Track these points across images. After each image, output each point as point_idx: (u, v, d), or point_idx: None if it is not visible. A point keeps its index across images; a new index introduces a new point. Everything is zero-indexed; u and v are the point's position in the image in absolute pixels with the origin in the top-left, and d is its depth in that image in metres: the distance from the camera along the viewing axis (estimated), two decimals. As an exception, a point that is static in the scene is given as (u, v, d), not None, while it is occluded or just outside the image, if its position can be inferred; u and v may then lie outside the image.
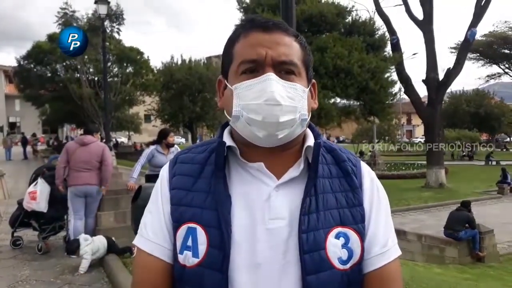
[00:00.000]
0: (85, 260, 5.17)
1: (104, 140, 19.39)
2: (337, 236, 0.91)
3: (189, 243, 0.91)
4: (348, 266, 0.91)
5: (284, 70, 0.92)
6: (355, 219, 0.94)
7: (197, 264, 0.90)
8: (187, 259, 0.91)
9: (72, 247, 5.28)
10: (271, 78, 0.89)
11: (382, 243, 0.96)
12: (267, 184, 0.93)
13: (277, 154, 0.95)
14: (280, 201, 0.92)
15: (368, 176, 1.01)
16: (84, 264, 5.17)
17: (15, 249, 6.32)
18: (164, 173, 1.02)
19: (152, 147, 6.16)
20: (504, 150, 45.12)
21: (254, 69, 0.92)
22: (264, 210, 0.91)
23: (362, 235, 0.94)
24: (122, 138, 46.77)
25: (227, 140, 0.96)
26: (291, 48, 0.94)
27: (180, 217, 0.93)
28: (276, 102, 0.87)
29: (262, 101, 0.88)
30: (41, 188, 5.97)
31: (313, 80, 1.02)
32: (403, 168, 27.84)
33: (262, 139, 0.91)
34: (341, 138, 58.19)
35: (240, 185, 0.94)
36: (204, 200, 0.93)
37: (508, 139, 51.36)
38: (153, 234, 0.96)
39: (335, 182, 0.97)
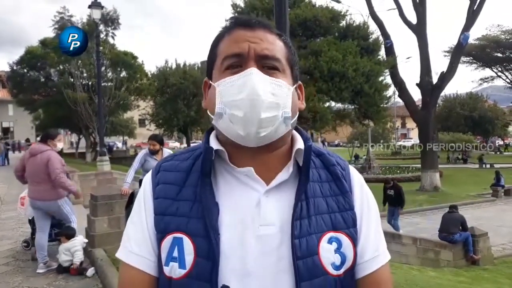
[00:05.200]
0: (80, 252, 5.28)
1: (98, 145, 19.43)
2: (330, 241, 0.89)
3: (175, 254, 0.88)
4: (341, 271, 0.90)
5: (268, 65, 0.90)
6: (347, 223, 0.92)
7: (184, 275, 0.86)
8: (174, 270, 0.88)
9: (70, 231, 5.39)
10: (253, 73, 0.86)
11: (374, 247, 0.95)
12: (256, 190, 0.90)
13: (264, 157, 0.92)
14: (270, 207, 0.89)
15: (358, 180, 1.00)
16: (80, 256, 5.27)
17: (8, 256, 6.27)
18: (146, 182, 0.98)
19: (143, 152, 6.10)
20: (498, 153, 45.39)
21: (238, 64, 0.89)
22: (254, 216, 0.88)
23: (354, 240, 0.92)
24: (117, 143, 46.65)
25: (214, 144, 0.92)
26: (274, 44, 0.92)
27: (165, 228, 0.90)
28: (257, 95, 0.85)
29: (244, 96, 0.85)
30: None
31: (300, 82, 1.00)
32: (398, 171, 27.89)
33: (244, 137, 0.87)
34: (336, 142, 58.34)
35: (228, 192, 0.91)
36: (190, 209, 0.89)
37: (501, 142, 51.64)
38: (137, 246, 0.93)
39: (325, 187, 0.95)
